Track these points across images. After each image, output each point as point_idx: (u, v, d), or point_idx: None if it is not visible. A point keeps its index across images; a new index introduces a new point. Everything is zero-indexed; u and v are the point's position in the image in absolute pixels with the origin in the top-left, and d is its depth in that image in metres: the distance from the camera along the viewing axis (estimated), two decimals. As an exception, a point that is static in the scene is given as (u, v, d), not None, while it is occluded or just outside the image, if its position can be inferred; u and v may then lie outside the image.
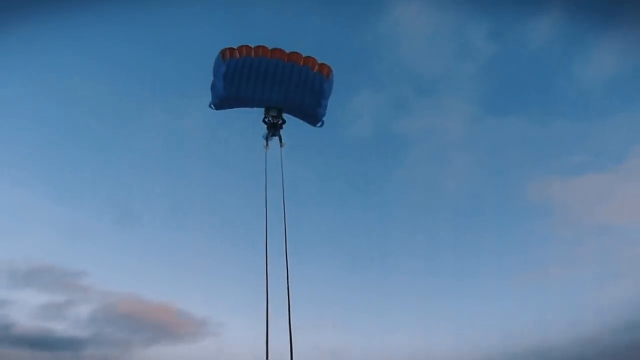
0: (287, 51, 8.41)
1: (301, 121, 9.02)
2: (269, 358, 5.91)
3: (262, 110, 8.88)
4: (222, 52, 8.40)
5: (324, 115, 8.92)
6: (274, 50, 8.38)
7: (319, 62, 8.49)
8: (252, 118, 9.09)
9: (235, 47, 8.39)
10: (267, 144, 8.71)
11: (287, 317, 6.27)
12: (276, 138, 8.92)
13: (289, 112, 8.83)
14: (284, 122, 8.92)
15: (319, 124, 8.96)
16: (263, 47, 8.38)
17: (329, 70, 8.54)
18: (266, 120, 8.87)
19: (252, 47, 8.39)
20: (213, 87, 8.70)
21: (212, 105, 8.75)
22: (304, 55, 8.41)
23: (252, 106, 8.80)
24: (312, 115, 8.84)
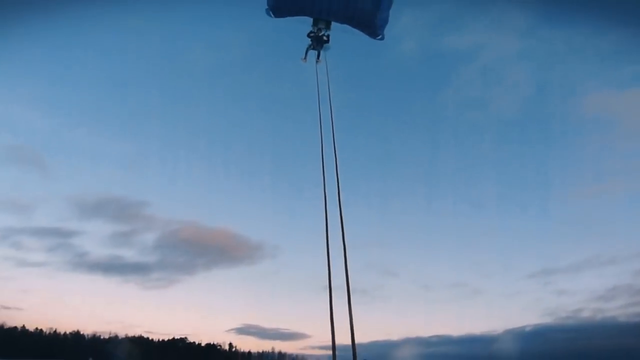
0: None
1: (351, 34, 8.37)
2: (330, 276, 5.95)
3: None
4: None
5: (385, 26, 8.30)
6: None
7: None
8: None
9: None
10: (305, 57, 8.60)
11: (341, 239, 6.25)
12: (312, 53, 8.77)
13: (348, 22, 8.30)
14: (328, 38, 8.62)
15: (380, 36, 8.32)
16: None
17: None
18: (312, 33, 8.52)
19: None
20: None
21: (269, 12, 8.34)
22: None
23: (311, 14, 8.33)
24: (373, 25, 8.23)
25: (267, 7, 8.24)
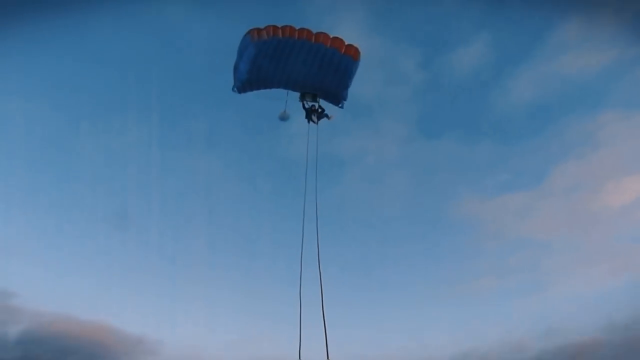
0: (314, 31, 8.26)
1: None
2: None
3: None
4: (251, 33, 8.01)
5: (347, 96, 8.92)
6: (301, 30, 8.17)
7: (347, 42, 8.39)
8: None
9: (263, 27, 8.07)
10: (309, 120, 8.68)
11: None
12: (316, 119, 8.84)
13: (312, 91, 8.72)
14: (322, 109, 8.91)
15: (341, 104, 8.94)
16: (290, 27, 8.15)
17: (357, 51, 8.46)
18: (305, 106, 8.76)
19: (280, 26, 8.12)
20: (236, 70, 8.31)
21: (235, 89, 8.47)
22: (331, 36, 8.30)
23: (277, 87, 8.52)
24: (337, 95, 8.81)
25: (234, 87, 8.48)
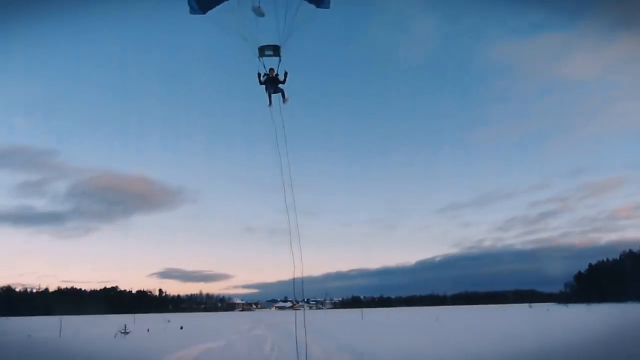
0: None
1: None
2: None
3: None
4: None
5: None
6: None
7: None
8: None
9: None
10: (270, 102, 8.36)
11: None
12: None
13: None
14: (284, 76, 8.34)
15: (326, 5, 7.78)
16: None
17: None
18: (263, 76, 8.28)
19: None
20: None
21: (195, 9, 7.78)
22: None
23: None
24: None
25: (190, 6, 7.72)
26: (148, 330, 26.19)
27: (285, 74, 8.35)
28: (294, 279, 8.16)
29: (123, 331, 21.91)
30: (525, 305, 78.01)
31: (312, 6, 7.62)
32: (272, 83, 8.32)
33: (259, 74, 8.32)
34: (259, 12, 7.59)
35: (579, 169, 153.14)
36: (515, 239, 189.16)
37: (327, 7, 7.70)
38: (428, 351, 11.18)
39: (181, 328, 27.43)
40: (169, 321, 42.79)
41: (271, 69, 8.29)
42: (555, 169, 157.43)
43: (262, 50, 8.08)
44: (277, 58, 8.21)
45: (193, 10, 7.70)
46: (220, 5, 7.61)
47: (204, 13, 7.75)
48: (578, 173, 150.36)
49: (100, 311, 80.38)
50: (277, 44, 8.02)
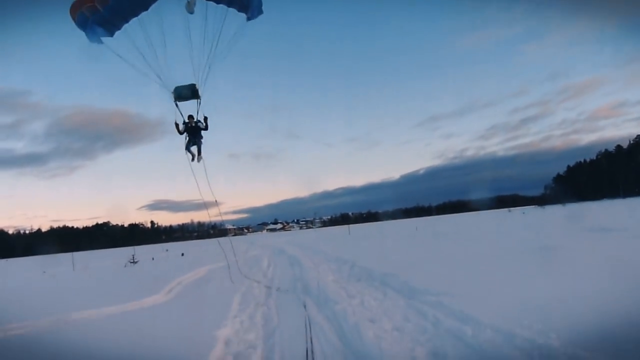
0: None
1: None
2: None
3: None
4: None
5: (259, 8, 6.83)
6: None
7: None
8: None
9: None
10: (193, 157, 7.77)
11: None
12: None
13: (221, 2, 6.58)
14: (205, 121, 7.59)
15: (250, 13, 6.81)
16: None
17: None
18: (180, 128, 7.50)
19: None
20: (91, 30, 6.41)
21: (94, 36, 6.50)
22: None
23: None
24: (251, 6, 6.78)
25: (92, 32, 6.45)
26: (153, 259, 28.51)
27: (205, 119, 7.64)
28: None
29: (132, 261, 24.05)
30: (506, 210, 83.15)
31: (242, 16, 6.78)
32: (192, 132, 7.63)
33: (177, 124, 7.55)
34: (189, 8, 6.75)
35: (557, 73, 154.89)
36: (497, 146, 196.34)
37: (255, 17, 6.89)
38: (400, 256, 13.42)
39: (182, 255, 29.76)
40: (167, 250, 45.59)
41: (190, 116, 7.58)
42: (534, 75, 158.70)
43: (179, 93, 7.25)
44: (197, 101, 7.39)
45: (95, 37, 6.51)
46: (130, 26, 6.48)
47: (112, 35, 6.66)
48: (557, 76, 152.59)
49: (96, 247, 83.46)
50: (193, 82, 7.17)
